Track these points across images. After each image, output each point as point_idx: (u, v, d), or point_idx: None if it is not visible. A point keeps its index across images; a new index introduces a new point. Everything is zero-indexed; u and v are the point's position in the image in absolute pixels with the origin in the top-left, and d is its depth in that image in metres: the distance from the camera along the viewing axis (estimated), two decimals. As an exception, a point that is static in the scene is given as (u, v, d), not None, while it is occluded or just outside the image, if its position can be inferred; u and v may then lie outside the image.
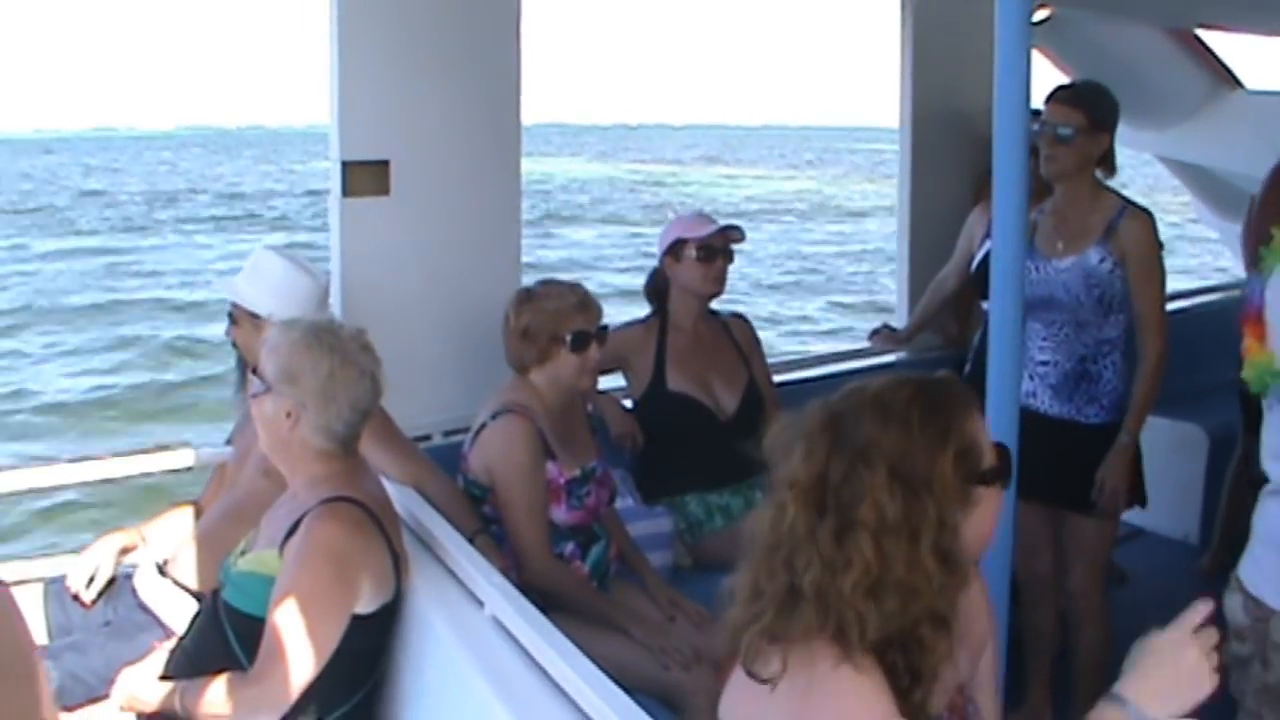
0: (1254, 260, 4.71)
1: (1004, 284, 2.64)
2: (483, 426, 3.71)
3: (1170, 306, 4.66)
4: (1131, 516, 4.63)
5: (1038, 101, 5.08)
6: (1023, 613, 4.26)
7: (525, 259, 4.45)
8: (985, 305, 4.11)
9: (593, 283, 4.27)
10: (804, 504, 1.87)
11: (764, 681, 1.84)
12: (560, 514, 3.70)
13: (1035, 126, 3.96)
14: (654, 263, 4.56)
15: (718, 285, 4.48)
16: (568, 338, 3.72)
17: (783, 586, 1.87)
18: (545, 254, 29.09)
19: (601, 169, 72.96)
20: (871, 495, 1.83)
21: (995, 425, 2.45)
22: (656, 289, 4.55)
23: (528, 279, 4.06)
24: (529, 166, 5.99)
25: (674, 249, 4.43)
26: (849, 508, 1.84)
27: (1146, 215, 4.01)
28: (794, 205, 46.64)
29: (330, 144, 4.01)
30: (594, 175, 65.70)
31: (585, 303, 3.79)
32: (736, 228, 4.46)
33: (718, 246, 4.41)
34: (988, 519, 1.96)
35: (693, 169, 73.98)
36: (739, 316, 4.68)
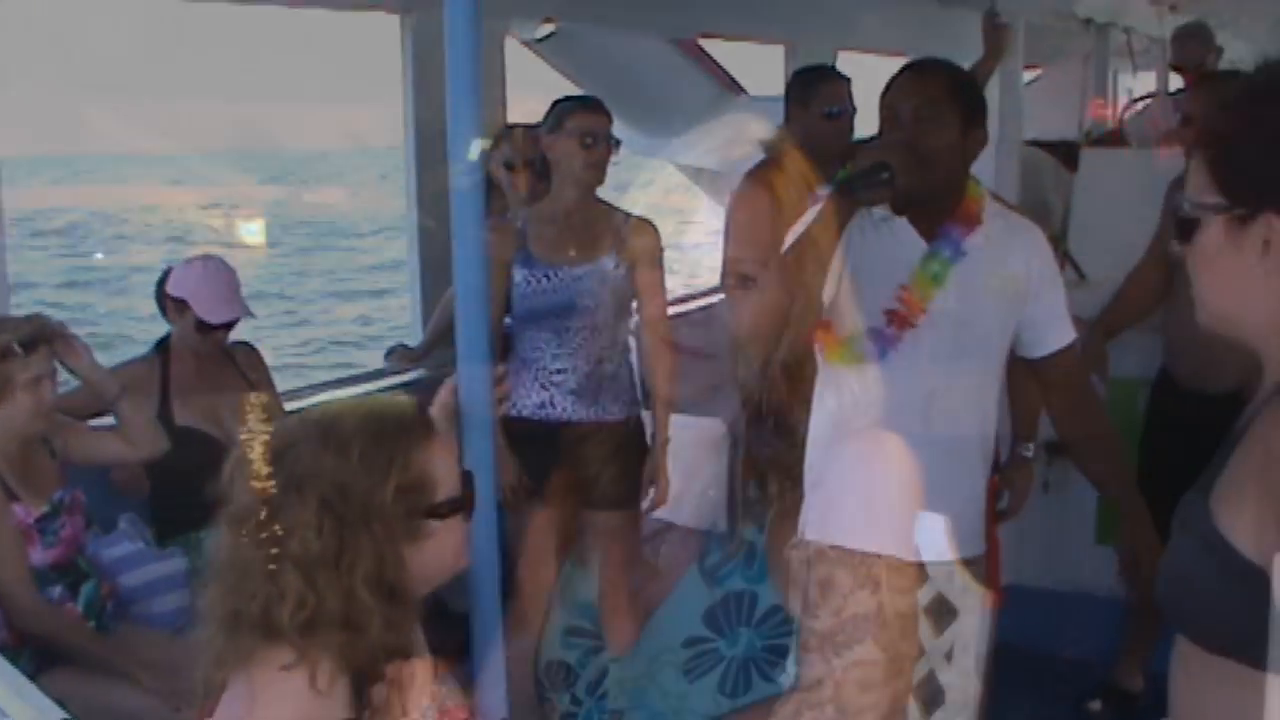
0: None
1: (469, 303, 2.57)
2: None
3: (689, 307, 4.83)
4: (661, 512, 4.79)
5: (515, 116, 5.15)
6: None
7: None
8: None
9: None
10: (241, 534, 1.79)
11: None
12: (38, 555, 3.51)
13: (572, 136, 4.03)
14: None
15: (215, 349, 4.31)
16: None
17: (230, 613, 1.79)
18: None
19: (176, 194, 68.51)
20: (300, 529, 1.76)
21: (471, 446, 2.42)
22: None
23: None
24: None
25: (178, 304, 4.19)
26: (283, 539, 1.76)
27: (650, 225, 4.20)
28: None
29: None
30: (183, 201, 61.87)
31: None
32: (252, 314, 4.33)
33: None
34: (446, 550, 1.91)
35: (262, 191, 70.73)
36: (245, 344, 4.48)
